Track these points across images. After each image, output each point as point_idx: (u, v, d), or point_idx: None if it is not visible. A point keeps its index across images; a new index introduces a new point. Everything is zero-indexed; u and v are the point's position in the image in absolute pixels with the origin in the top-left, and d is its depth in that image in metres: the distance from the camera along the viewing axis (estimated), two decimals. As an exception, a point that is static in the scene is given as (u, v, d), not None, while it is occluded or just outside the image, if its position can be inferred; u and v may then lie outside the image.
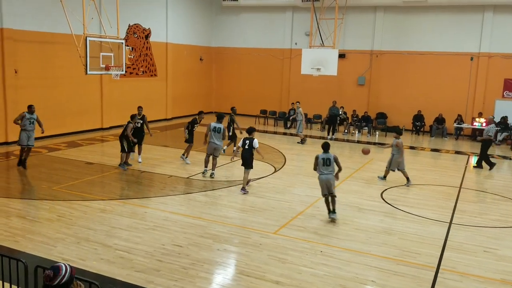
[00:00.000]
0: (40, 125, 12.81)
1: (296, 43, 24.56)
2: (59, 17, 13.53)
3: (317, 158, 9.50)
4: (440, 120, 21.35)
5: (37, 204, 9.91)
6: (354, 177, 13.23)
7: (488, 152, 15.09)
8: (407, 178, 12.59)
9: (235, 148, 12.75)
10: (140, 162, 13.78)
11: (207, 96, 26.44)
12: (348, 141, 19.95)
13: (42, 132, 12.97)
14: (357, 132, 21.55)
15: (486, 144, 14.83)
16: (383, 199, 11.14)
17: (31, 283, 5.35)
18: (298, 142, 18.41)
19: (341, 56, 22.15)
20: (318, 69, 19.94)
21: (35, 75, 16.25)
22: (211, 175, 12.37)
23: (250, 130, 11.45)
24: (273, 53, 25.17)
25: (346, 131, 21.52)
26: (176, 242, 7.99)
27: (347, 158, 16.49)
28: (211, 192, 11.16)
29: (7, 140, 15.48)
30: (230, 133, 15.29)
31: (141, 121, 13.56)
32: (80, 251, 7.54)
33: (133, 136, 12.98)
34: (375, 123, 22.39)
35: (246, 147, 11.17)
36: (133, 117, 13.15)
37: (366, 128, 21.60)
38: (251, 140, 11.20)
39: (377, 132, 21.82)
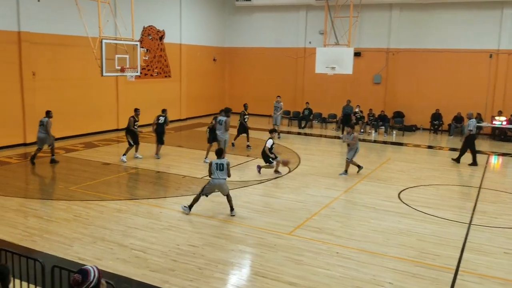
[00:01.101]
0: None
1: (310, 42, 24.43)
2: (75, 20, 13.66)
3: (211, 164, 9.38)
4: (458, 119, 21.01)
5: (54, 204, 10.01)
6: (370, 177, 13.09)
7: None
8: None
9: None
10: (140, 157, 14.31)
11: (220, 96, 26.47)
12: (364, 140, 19.74)
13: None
14: (373, 131, 21.33)
15: (471, 139, 14.79)
16: (400, 199, 10.98)
17: (48, 282, 5.38)
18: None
19: (357, 54, 21.93)
20: (332, 68, 19.75)
21: (52, 77, 16.44)
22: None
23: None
24: (287, 52, 25.07)
25: (362, 130, 21.33)
26: (191, 242, 7.98)
27: (363, 158, 16.28)
28: (226, 192, 11.13)
29: (25, 141, 15.68)
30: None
31: (164, 118, 14.49)
32: (96, 251, 7.58)
33: (130, 135, 13.98)
34: (392, 122, 22.14)
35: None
36: (136, 110, 14.24)
37: (383, 127, 21.37)
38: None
39: (394, 132, 21.57)
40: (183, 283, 6.53)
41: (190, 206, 9.48)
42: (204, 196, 9.55)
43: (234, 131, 16.83)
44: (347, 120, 20.37)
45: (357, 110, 21.27)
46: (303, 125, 22.69)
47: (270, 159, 12.82)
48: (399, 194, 11.40)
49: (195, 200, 9.51)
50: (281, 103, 19.61)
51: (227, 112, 14.23)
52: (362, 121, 21.47)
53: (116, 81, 18.96)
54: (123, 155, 13.97)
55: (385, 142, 19.37)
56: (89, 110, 17.97)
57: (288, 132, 21.23)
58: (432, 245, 8.15)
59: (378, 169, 14.10)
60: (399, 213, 9.94)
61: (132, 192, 11.20)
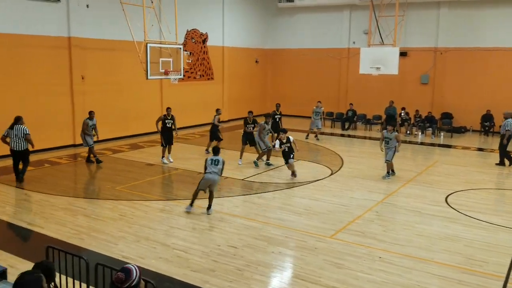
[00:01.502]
0: (96, 131, 14.01)
1: (354, 42, 24.06)
2: (122, 25, 14.07)
3: (206, 160, 9.65)
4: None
5: (101, 203, 10.33)
6: (416, 180, 12.71)
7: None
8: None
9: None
10: (171, 162, 14.22)
11: (262, 98, 26.52)
12: (410, 142, 19.23)
13: (97, 137, 14.23)
14: (420, 133, 20.70)
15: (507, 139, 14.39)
16: (447, 203, 10.60)
17: (92, 279, 5.55)
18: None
19: (402, 54, 21.39)
20: (377, 68, 19.38)
21: (100, 81, 17.02)
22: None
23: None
24: (330, 53, 24.79)
25: (408, 132, 20.76)
26: (231, 243, 8.02)
27: (409, 161, 15.90)
28: (266, 194, 11.13)
29: (75, 143, 16.29)
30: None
31: (172, 121, 14.11)
32: (139, 250, 7.75)
33: (163, 136, 14.05)
34: (440, 123, 21.42)
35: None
36: (167, 110, 14.23)
37: (430, 129, 20.70)
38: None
39: (442, 133, 20.87)
40: (223, 283, 6.57)
41: (191, 203, 9.77)
42: (202, 192, 9.70)
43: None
44: (391, 121, 19.85)
45: (402, 113, 20.70)
46: (346, 127, 22.36)
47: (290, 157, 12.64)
48: (446, 198, 11.01)
49: (194, 196, 9.77)
50: (322, 108, 19.43)
51: (267, 117, 14.62)
52: (408, 123, 20.90)
53: (161, 84, 19.39)
54: (162, 157, 14.22)
55: (432, 144, 18.77)
56: (135, 112, 18.46)
57: (331, 134, 20.99)
58: (480, 251, 7.81)
59: (424, 172, 13.68)
60: (446, 218, 9.59)
61: (175, 193, 11.39)
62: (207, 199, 9.72)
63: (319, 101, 19.80)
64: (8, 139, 11.77)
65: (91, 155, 14.08)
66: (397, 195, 11.27)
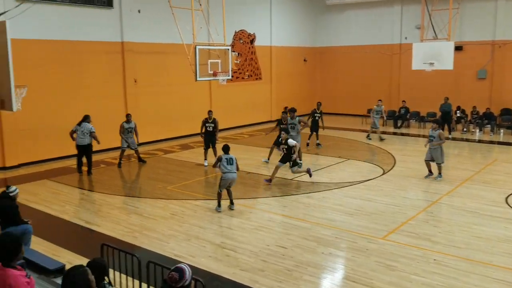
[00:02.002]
0: (136, 134, 14.18)
1: (406, 38, 23.34)
2: (171, 29, 14.40)
3: (220, 159, 9.80)
4: None
5: (153, 202, 10.60)
6: (474, 179, 12.15)
7: None
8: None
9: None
10: (206, 166, 13.93)
11: (311, 97, 26.27)
12: (467, 140, 18.45)
13: (137, 141, 14.42)
14: (477, 130, 19.78)
15: None
16: (508, 204, 10.06)
17: (144, 276, 5.70)
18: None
19: (458, 48, 20.52)
20: (431, 63, 18.70)
21: (152, 83, 17.50)
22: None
23: (226, 148, 9.99)
24: (381, 49, 24.19)
25: (465, 129, 19.90)
26: (280, 243, 7.99)
27: (467, 159, 15.28)
28: (315, 194, 11.01)
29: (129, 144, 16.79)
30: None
31: (213, 125, 14.02)
32: (190, 248, 7.89)
33: (204, 139, 14.04)
34: (499, 120, 20.37)
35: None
36: (209, 114, 14.25)
37: (489, 126, 19.75)
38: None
39: (502, 130, 19.85)
40: (272, 283, 6.55)
41: (219, 204, 9.92)
42: (225, 190, 9.88)
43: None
44: (446, 118, 19.12)
45: (458, 112, 19.88)
46: (399, 125, 21.74)
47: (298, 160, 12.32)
48: (506, 198, 10.44)
49: (218, 196, 9.94)
50: (383, 106, 18.72)
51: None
52: (465, 120, 20.03)
53: (210, 85, 19.66)
54: (204, 160, 14.14)
55: (491, 142, 17.90)
56: (186, 114, 18.82)
57: (383, 132, 20.44)
58: (545, 256, 7.35)
59: (482, 171, 13.06)
60: (506, 219, 9.09)
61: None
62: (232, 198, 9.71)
63: (380, 100, 19.21)
64: (75, 135, 12.84)
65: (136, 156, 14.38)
66: (453, 195, 10.82)
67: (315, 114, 16.65)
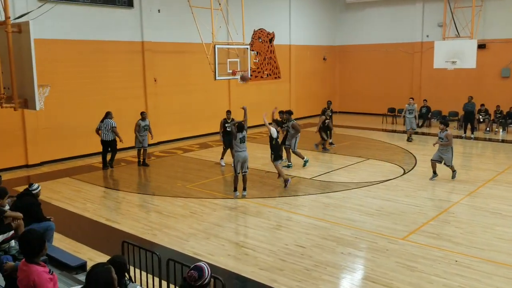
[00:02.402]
0: (150, 131, 14.20)
1: (427, 36, 23.00)
2: (191, 28, 14.47)
3: (235, 136, 10.08)
4: None
5: (173, 200, 10.68)
6: (497, 180, 11.92)
7: None
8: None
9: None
10: (223, 165, 13.94)
11: (331, 96, 26.05)
12: (490, 140, 18.10)
13: (152, 138, 14.52)
14: (501, 130, 19.38)
15: None
16: (532, 205, 9.84)
17: (163, 274, 5.75)
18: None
19: (481, 46, 20.15)
20: (453, 62, 18.40)
21: (172, 83, 17.63)
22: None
23: (240, 127, 10.55)
24: (402, 47, 23.90)
25: (488, 129, 19.53)
26: (299, 243, 7.97)
27: (490, 160, 15.00)
28: (335, 194, 10.94)
29: (148, 142, 16.92)
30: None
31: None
32: (209, 247, 7.92)
33: (224, 139, 13.89)
34: (523, 120, 19.91)
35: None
36: (227, 114, 14.40)
37: (512, 125, 19.35)
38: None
39: (526, 130, 19.42)
40: (291, 283, 6.54)
41: (235, 188, 10.25)
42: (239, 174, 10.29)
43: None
44: (469, 118, 18.78)
45: (481, 114, 19.53)
46: (420, 124, 21.42)
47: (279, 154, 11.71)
48: (531, 199, 10.22)
49: (235, 181, 10.38)
50: (415, 105, 17.86)
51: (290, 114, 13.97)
52: (488, 119, 19.66)
53: (228, 84, 19.71)
54: (220, 159, 14.19)
55: (514, 142, 17.55)
56: (205, 113, 18.91)
57: (404, 132, 20.22)
58: None
59: (506, 171, 12.80)
60: (531, 221, 8.90)
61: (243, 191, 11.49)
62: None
63: (412, 98, 18.55)
64: (100, 132, 13.47)
65: (142, 157, 14.24)
66: (475, 195, 10.64)
67: (326, 113, 16.01)
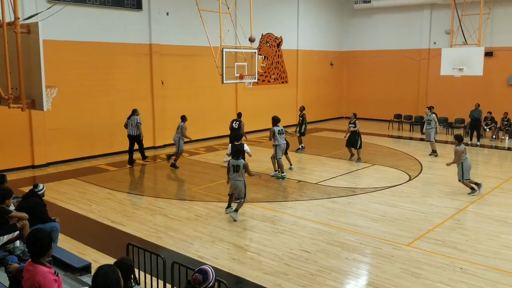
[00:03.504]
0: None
1: (435, 43, 22.97)
2: (199, 32, 14.53)
3: (228, 163, 9.66)
4: None
5: (178, 203, 10.69)
6: (502, 188, 11.86)
7: None
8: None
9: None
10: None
11: (337, 101, 26.13)
12: (496, 147, 18.01)
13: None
14: (507, 137, 19.28)
15: None
16: (539, 213, 9.76)
17: (168, 277, 5.76)
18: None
19: (488, 54, 20.10)
20: (460, 69, 18.35)
21: (179, 86, 17.68)
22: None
23: (238, 137, 11.50)
24: (409, 54, 23.87)
25: (494, 136, 19.43)
26: (304, 248, 7.95)
27: (496, 167, 14.91)
28: (340, 199, 10.91)
29: (155, 145, 17.04)
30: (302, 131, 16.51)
31: (238, 123, 14.90)
32: (214, 250, 7.92)
33: (230, 136, 14.64)
34: (530, 127, 19.79)
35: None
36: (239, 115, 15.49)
37: (519, 133, 19.22)
38: (242, 145, 11.12)
39: (533, 138, 19.29)
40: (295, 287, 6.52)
41: (228, 207, 9.88)
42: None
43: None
44: (476, 125, 18.68)
45: (489, 120, 19.42)
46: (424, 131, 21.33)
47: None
48: (538, 208, 10.15)
49: (229, 200, 9.92)
50: (433, 115, 16.22)
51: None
52: (495, 127, 19.56)
53: (236, 88, 19.75)
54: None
55: (522, 150, 17.45)
56: (212, 116, 18.95)
57: (410, 138, 20.19)
58: None
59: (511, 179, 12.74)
60: (537, 230, 8.84)
61: (248, 195, 11.47)
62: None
63: (428, 107, 16.98)
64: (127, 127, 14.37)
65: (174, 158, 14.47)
66: (481, 203, 10.58)
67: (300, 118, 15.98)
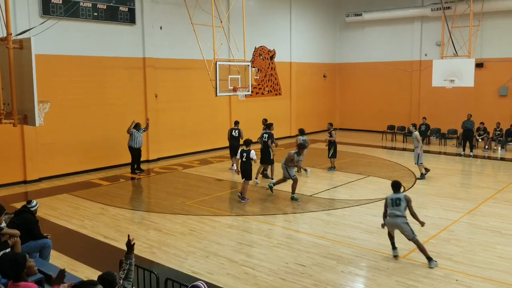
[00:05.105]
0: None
1: (426, 54, 23.20)
2: (192, 45, 14.58)
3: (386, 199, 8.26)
4: None
5: (172, 218, 10.61)
6: (496, 198, 11.89)
7: None
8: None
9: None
10: (233, 169, 14.98)
11: (331, 113, 26.21)
12: (489, 158, 18.10)
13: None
14: (499, 148, 19.40)
15: None
16: (533, 224, 9.79)
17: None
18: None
19: (479, 65, 20.33)
20: (451, 80, 18.52)
21: (173, 99, 17.67)
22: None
23: (247, 142, 11.92)
24: (401, 65, 24.08)
25: (486, 147, 19.54)
26: (299, 261, 7.90)
27: (489, 178, 14.97)
28: (335, 211, 10.89)
29: (149, 158, 16.96)
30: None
31: (237, 131, 15.32)
32: (208, 265, 7.85)
33: (230, 145, 15.32)
34: (521, 137, 19.93)
35: (244, 159, 11.74)
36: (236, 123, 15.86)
37: (511, 143, 19.33)
38: (248, 151, 11.70)
39: (525, 148, 19.42)
40: (291, 302, 6.46)
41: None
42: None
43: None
44: (468, 136, 18.76)
45: (481, 130, 19.56)
46: (418, 142, 21.41)
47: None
48: (531, 218, 10.18)
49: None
50: (416, 132, 14.33)
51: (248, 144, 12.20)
52: (487, 137, 19.69)
53: (229, 100, 19.78)
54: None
55: (514, 160, 17.56)
56: (206, 129, 18.94)
57: (404, 149, 20.25)
58: None
59: (505, 189, 12.77)
60: (532, 240, 8.85)
61: (243, 208, 11.45)
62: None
63: (412, 124, 15.44)
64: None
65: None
66: (476, 213, 10.59)
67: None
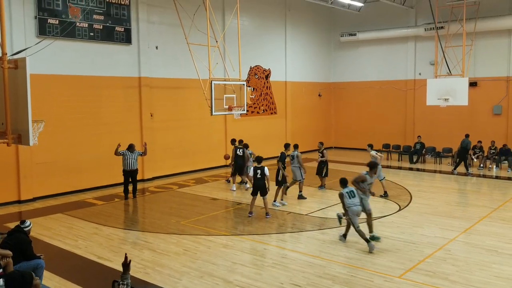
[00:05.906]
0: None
1: (420, 74, 23.44)
2: (188, 64, 14.70)
3: (342, 195, 9.66)
4: None
5: (166, 237, 10.52)
6: (492, 217, 11.87)
7: None
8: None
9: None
10: (234, 190, 15.30)
11: (326, 131, 26.31)
12: (485, 176, 18.13)
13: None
14: (494, 166, 19.44)
15: None
16: (529, 242, 9.76)
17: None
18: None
19: (472, 84, 20.54)
20: (446, 99, 18.68)
21: (168, 118, 17.70)
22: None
23: (259, 159, 12.16)
24: (395, 85, 24.29)
25: (482, 165, 19.59)
26: (295, 282, 7.82)
27: (485, 196, 14.97)
28: (330, 231, 10.83)
29: (144, 177, 16.89)
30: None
31: (242, 150, 15.42)
32: (202, 285, 7.75)
33: (234, 162, 15.50)
34: (516, 156, 20.00)
35: (258, 176, 11.91)
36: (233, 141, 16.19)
37: (506, 162, 19.41)
38: (262, 168, 11.91)
39: (519, 167, 19.49)
40: (286, 324, 6.38)
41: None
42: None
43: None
44: (464, 154, 18.76)
45: (477, 148, 19.63)
46: (414, 160, 21.50)
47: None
48: (527, 236, 10.16)
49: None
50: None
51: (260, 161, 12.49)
52: (482, 155, 19.76)
53: (225, 119, 19.84)
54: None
55: (509, 178, 17.57)
56: (201, 147, 18.95)
57: (399, 168, 20.28)
58: None
59: (501, 208, 12.76)
60: (528, 259, 8.81)
61: (238, 228, 11.38)
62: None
63: (369, 144, 16.20)
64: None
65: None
66: (472, 232, 10.56)
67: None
